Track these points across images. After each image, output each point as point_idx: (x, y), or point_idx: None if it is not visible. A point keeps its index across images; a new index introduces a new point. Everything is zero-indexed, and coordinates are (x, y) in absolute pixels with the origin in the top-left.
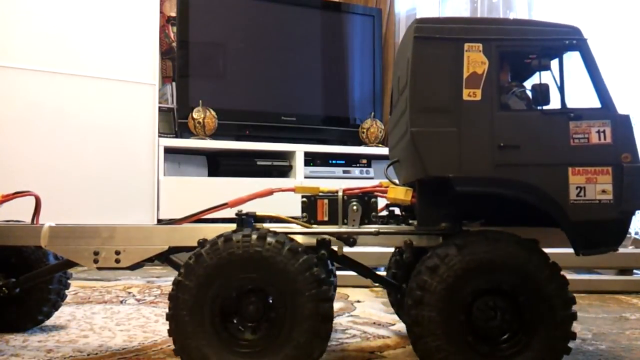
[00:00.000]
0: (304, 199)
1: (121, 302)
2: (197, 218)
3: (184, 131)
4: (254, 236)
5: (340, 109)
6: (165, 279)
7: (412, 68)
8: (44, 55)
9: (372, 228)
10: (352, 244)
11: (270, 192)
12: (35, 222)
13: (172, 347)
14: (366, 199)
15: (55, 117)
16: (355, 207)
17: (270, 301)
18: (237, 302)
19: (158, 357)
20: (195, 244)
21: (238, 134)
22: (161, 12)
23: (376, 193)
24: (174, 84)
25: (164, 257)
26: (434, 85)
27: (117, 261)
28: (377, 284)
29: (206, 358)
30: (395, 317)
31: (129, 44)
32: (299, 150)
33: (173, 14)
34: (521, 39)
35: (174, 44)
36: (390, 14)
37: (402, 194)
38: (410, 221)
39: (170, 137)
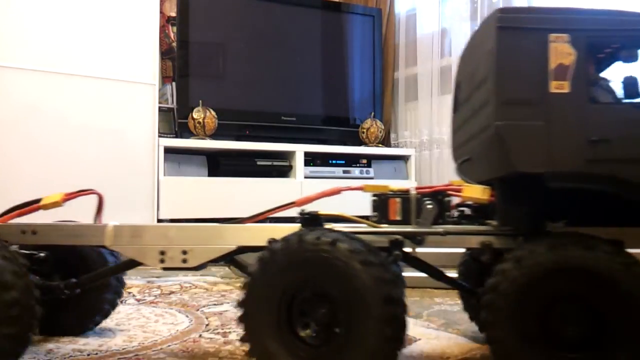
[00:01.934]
0: (375, 198)
1: (121, 302)
2: (263, 217)
3: (184, 131)
4: (328, 238)
5: (340, 109)
6: (165, 279)
7: (496, 59)
8: (43, 55)
9: (448, 228)
10: (420, 243)
11: (338, 191)
12: (97, 222)
13: (172, 347)
14: (440, 197)
15: (55, 117)
16: (430, 206)
17: (340, 305)
18: (308, 305)
19: (158, 357)
20: (263, 244)
21: (238, 134)
22: (161, 12)
23: (449, 192)
24: (174, 84)
25: (229, 258)
26: (519, 77)
27: (184, 261)
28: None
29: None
30: None
31: (129, 44)
32: (299, 150)
33: (173, 14)
34: (610, 30)
35: (174, 44)
36: (390, 14)
37: (479, 192)
38: (486, 221)
39: (170, 137)
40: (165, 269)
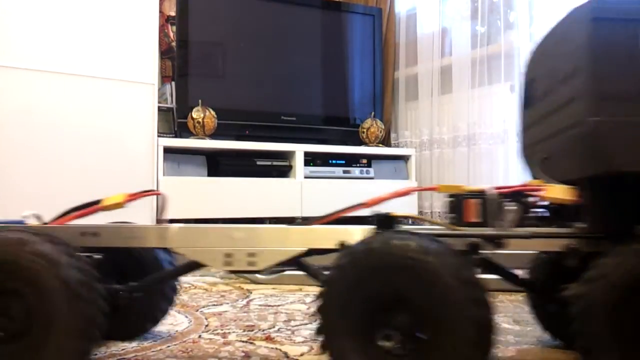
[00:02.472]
0: (452, 199)
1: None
2: (334, 218)
3: (183, 131)
4: (413, 241)
5: (340, 109)
6: None
7: (591, 53)
8: (43, 55)
9: (531, 230)
10: (500, 246)
11: (410, 191)
12: (160, 223)
13: (171, 347)
14: (521, 198)
15: (53, 116)
16: (512, 208)
17: (427, 312)
18: (391, 312)
19: (157, 357)
20: (334, 247)
21: (238, 133)
22: (160, 11)
23: (531, 192)
24: (173, 83)
25: (295, 260)
26: (616, 71)
27: (251, 264)
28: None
29: None
30: None
31: (129, 43)
32: (299, 150)
33: (172, 14)
34: None
35: (174, 44)
36: (391, 13)
37: (563, 192)
38: (566, 223)
39: (169, 137)
40: (231, 272)
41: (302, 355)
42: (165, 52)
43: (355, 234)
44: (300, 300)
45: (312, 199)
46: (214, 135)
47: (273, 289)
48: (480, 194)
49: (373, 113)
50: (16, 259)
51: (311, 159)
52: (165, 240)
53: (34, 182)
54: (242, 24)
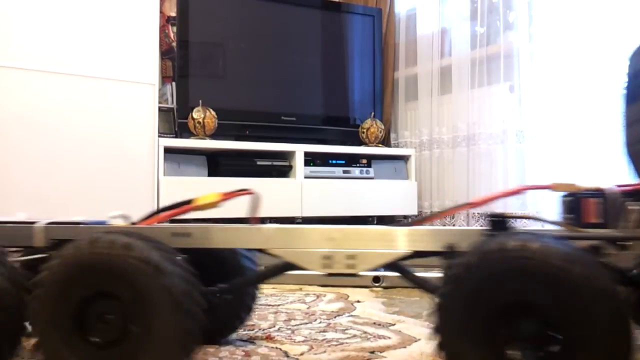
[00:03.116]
0: (569, 198)
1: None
2: (438, 218)
3: (183, 131)
4: (536, 243)
5: (340, 109)
6: None
7: None
8: (43, 55)
9: None
10: (623, 249)
11: (521, 190)
12: (253, 222)
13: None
14: None
15: (55, 117)
16: (635, 208)
17: (559, 321)
18: (513, 320)
19: None
20: (439, 249)
21: (238, 134)
22: (161, 12)
23: None
24: (173, 83)
25: (394, 263)
26: None
27: (351, 267)
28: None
29: None
30: (396, 316)
31: (129, 43)
32: (299, 150)
33: (173, 14)
34: None
35: (174, 44)
36: (391, 13)
37: None
38: None
39: (170, 137)
40: (330, 275)
41: (302, 354)
42: (165, 53)
43: (463, 235)
44: (300, 300)
45: (312, 198)
46: (214, 136)
47: (273, 288)
48: (599, 193)
49: (373, 113)
50: (122, 265)
51: (311, 159)
52: (262, 241)
53: (34, 182)
54: (242, 24)
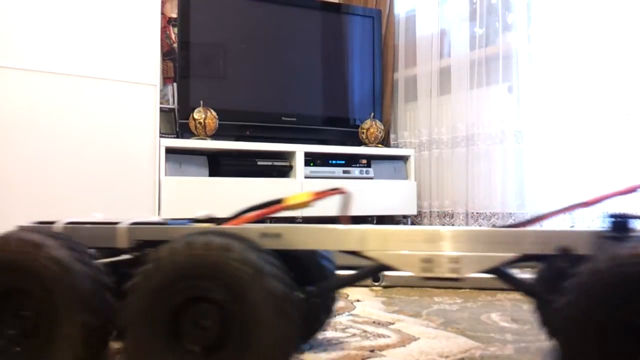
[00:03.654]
0: None
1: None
2: (544, 219)
3: (184, 131)
4: None
5: (340, 110)
6: None
7: None
8: (45, 56)
9: None
10: None
11: (636, 189)
12: (344, 222)
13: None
14: None
15: (56, 117)
16: None
17: None
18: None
19: None
20: (551, 252)
21: (238, 134)
22: (162, 13)
23: None
24: (175, 84)
25: (496, 268)
26: None
27: (454, 270)
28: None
29: None
30: (395, 315)
31: (131, 45)
32: (299, 150)
33: (174, 15)
34: None
35: (175, 45)
36: (390, 15)
37: None
38: None
39: (171, 138)
40: (429, 279)
41: (302, 353)
42: (167, 54)
43: (578, 237)
44: None
45: None
46: (215, 136)
47: None
48: None
49: (372, 114)
50: (223, 267)
51: (311, 159)
52: (356, 242)
53: (35, 183)
54: (243, 25)
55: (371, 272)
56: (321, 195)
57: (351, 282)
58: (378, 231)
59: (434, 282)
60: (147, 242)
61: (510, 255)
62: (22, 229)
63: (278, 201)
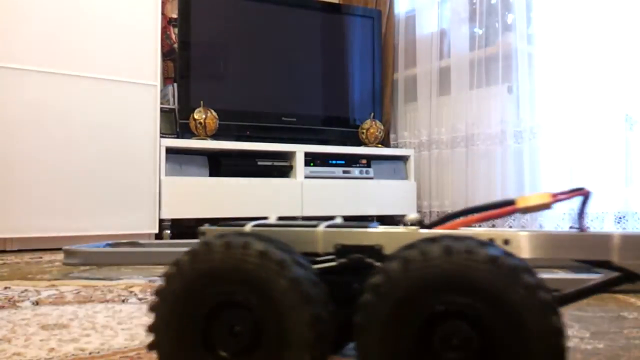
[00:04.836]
0: None
1: (123, 301)
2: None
3: (185, 132)
4: None
5: (340, 110)
6: None
7: None
8: (45, 56)
9: None
10: None
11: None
12: (581, 227)
13: None
14: None
15: (56, 117)
16: None
17: None
18: None
19: None
20: None
21: (239, 134)
22: (163, 13)
23: None
24: (175, 84)
25: None
26: None
27: None
28: None
29: None
30: None
31: (131, 45)
32: (299, 150)
33: (174, 16)
34: None
35: (176, 45)
36: (390, 15)
37: None
38: None
39: (171, 138)
40: None
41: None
42: (167, 54)
43: None
44: None
45: (313, 198)
46: (215, 136)
47: None
48: None
49: (372, 114)
50: (486, 280)
51: (311, 159)
52: (607, 252)
53: (35, 182)
54: (243, 26)
55: (620, 281)
56: (562, 196)
57: (597, 291)
58: (632, 238)
59: None
60: (348, 247)
61: None
62: (206, 232)
63: (510, 202)
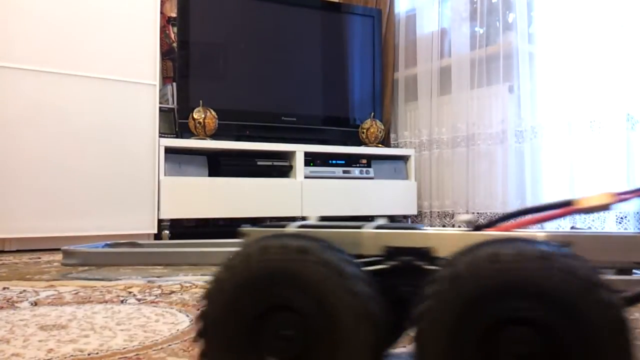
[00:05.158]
0: None
1: (122, 301)
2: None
3: (184, 131)
4: None
5: (340, 109)
6: (166, 278)
7: None
8: (44, 55)
9: None
10: None
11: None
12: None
13: (172, 346)
14: None
15: (56, 117)
16: None
17: None
18: None
19: (159, 356)
20: None
21: (238, 134)
22: (162, 12)
23: None
24: (174, 84)
25: None
26: None
27: None
28: None
29: None
30: None
31: (130, 44)
32: (299, 150)
33: (174, 15)
34: None
35: (175, 45)
36: (390, 14)
37: None
38: None
39: (170, 137)
40: None
41: None
42: (166, 53)
43: None
44: None
45: (312, 198)
46: (214, 136)
47: None
48: None
49: (373, 113)
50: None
51: (311, 159)
52: None
53: (35, 182)
54: (242, 25)
55: None
56: (625, 196)
57: None
58: None
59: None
60: (397, 249)
61: None
62: (249, 233)
63: (568, 203)
